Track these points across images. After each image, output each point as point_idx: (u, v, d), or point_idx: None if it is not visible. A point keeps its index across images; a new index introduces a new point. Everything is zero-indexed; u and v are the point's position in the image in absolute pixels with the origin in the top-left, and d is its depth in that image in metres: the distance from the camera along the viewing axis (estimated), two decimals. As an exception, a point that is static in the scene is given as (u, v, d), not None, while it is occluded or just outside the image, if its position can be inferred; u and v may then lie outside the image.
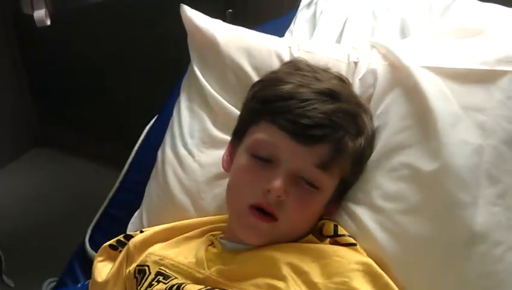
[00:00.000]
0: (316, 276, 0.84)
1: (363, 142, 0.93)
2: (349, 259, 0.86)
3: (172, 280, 0.91)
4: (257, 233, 0.90)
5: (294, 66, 0.99)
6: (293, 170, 0.88)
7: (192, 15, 1.14)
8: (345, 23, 1.24)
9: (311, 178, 0.89)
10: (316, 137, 0.88)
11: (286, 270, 0.85)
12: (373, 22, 1.23)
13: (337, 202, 0.96)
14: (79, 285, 1.22)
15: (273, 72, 1.01)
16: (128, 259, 1.03)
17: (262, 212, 0.89)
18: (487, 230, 0.86)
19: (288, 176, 0.88)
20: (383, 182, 0.93)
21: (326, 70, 0.99)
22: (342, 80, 0.99)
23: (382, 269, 0.87)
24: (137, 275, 0.98)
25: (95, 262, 1.08)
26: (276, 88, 0.93)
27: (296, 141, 0.88)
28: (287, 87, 0.91)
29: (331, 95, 0.91)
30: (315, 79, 0.93)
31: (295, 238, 0.93)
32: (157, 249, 1.01)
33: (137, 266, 0.99)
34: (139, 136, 1.36)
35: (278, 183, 0.86)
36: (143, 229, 1.07)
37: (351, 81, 1.03)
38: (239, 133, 0.98)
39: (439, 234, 0.88)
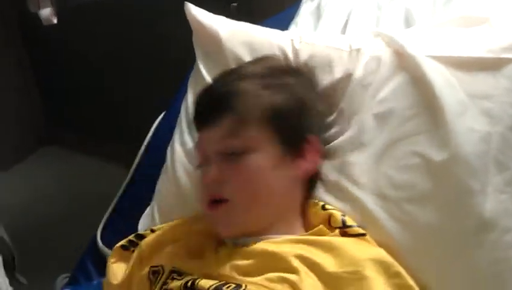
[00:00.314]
0: (329, 266, 0.85)
1: (270, 94, 0.96)
2: (360, 249, 0.87)
3: (187, 276, 0.92)
4: (222, 224, 0.95)
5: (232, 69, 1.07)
6: (214, 152, 0.95)
7: (196, 13, 1.15)
8: (349, 15, 1.25)
9: (231, 149, 0.93)
10: (209, 117, 0.96)
11: (296, 263, 0.86)
12: (377, 13, 1.24)
13: (301, 155, 0.96)
14: (94, 282, 1.23)
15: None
16: (141, 261, 1.04)
17: (213, 202, 0.94)
18: (496, 217, 0.87)
19: (217, 160, 0.94)
20: (391, 171, 0.94)
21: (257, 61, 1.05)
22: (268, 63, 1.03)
23: (392, 257, 0.88)
24: (151, 277, 0.99)
25: (108, 263, 1.09)
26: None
27: (203, 130, 0.99)
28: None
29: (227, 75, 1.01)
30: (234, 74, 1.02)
31: (281, 217, 0.95)
32: (169, 249, 1.02)
33: (151, 267, 1.00)
34: (144, 135, 1.37)
35: (209, 172, 0.94)
36: (153, 228, 1.08)
37: (352, 68, 1.03)
38: None
39: (448, 222, 0.88)
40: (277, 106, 0.95)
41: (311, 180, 0.99)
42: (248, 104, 0.95)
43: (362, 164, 0.96)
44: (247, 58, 1.11)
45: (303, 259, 0.86)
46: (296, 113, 0.97)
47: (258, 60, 1.06)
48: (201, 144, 0.99)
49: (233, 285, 0.84)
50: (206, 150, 0.97)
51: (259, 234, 0.94)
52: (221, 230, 0.95)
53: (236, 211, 0.93)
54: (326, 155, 1.00)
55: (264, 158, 0.94)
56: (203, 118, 0.99)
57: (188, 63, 1.22)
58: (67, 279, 1.32)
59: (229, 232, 0.95)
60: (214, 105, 0.97)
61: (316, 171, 0.99)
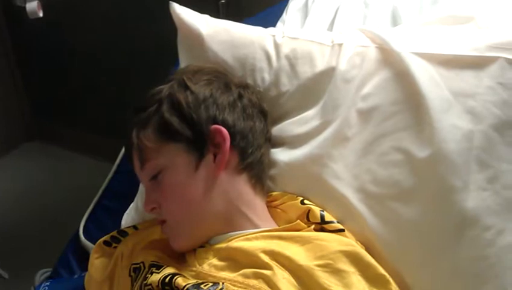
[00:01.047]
0: (301, 259, 0.85)
1: (156, 116, 0.96)
2: (332, 242, 0.88)
3: (165, 268, 0.91)
4: (171, 241, 0.97)
5: None
6: (143, 184, 1.00)
7: (180, 11, 1.14)
8: (336, 12, 1.25)
9: (147, 176, 0.97)
10: (129, 156, 1.01)
11: (266, 258, 0.86)
12: (364, 10, 1.23)
13: (210, 151, 0.95)
14: (75, 276, 1.23)
15: None
16: (123, 258, 1.04)
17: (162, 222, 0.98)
18: (477, 214, 0.87)
19: (147, 189, 0.98)
20: (374, 167, 0.94)
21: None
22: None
23: (373, 253, 0.88)
24: (132, 274, 0.98)
25: (91, 259, 1.09)
26: None
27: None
28: None
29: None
30: None
31: (232, 217, 0.94)
32: (151, 247, 1.02)
33: (132, 264, 1.00)
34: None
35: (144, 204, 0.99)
36: (136, 225, 1.08)
37: (334, 63, 1.03)
38: None
39: (430, 219, 0.89)
40: (163, 121, 0.95)
41: (249, 167, 0.97)
42: (139, 132, 0.97)
43: (345, 159, 0.96)
44: (228, 56, 1.10)
45: (273, 254, 0.86)
46: (184, 114, 0.95)
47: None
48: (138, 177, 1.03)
49: (210, 284, 0.84)
50: (141, 182, 1.03)
51: (224, 232, 0.94)
52: (173, 246, 0.97)
53: (175, 228, 0.96)
54: (287, 142, 1.02)
55: (175, 171, 0.94)
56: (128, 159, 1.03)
57: (177, 59, 1.21)
58: (48, 273, 1.32)
59: (179, 247, 0.97)
60: (126, 145, 1.02)
61: (239, 157, 0.96)
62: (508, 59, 0.94)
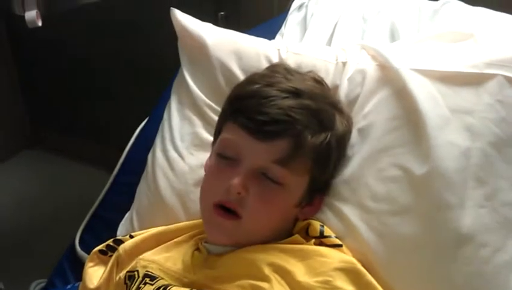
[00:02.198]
0: (300, 275, 0.84)
1: (328, 138, 0.92)
2: (332, 258, 0.87)
3: (159, 280, 0.91)
4: (222, 232, 0.91)
5: (272, 69, 1.01)
6: (253, 167, 0.89)
7: (182, 18, 1.15)
8: (335, 26, 1.25)
9: (271, 174, 0.89)
10: (272, 132, 0.88)
11: (268, 271, 0.85)
12: (363, 25, 1.24)
13: (311, 203, 0.96)
14: (69, 286, 1.22)
15: (251, 75, 1.02)
16: (119, 266, 1.03)
17: (226, 210, 0.90)
18: (474, 232, 0.87)
19: (249, 173, 0.89)
20: (372, 182, 0.94)
21: (302, 73, 1.00)
22: (317, 80, 1.00)
23: (369, 269, 0.88)
24: (127, 281, 0.98)
25: (85, 268, 1.08)
26: (243, 88, 0.95)
27: (254, 137, 0.89)
28: (254, 87, 0.93)
29: (294, 92, 0.91)
30: (285, 79, 0.94)
31: (268, 239, 0.93)
32: (147, 255, 1.01)
33: (128, 272, 0.99)
34: (130, 138, 1.36)
35: (236, 180, 0.88)
36: (132, 234, 1.07)
37: (338, 81, 1.04)
38: (215, 135, 1.00)
39: (426, 235, 0.88)
40: (323, 148, 0.91)
41: None
42: (307, 136, 0.90)
43: (344, 175, 0.96)
44: (233, 66, 1.10)
45: (275, 267, 0.86)
46: (332, 158, 0.94)
47: (308, 76, 1.00)
48: (240, 145, 0.91)
49: None
50: (244, 155, 0.90)
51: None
52: (215, 237, 0.93)
53: (242, 229, 0.91)
54: None
55: (290, 197, 0.92)
56: (258, 127, 0.89)
57: (175, 68, 1.21)
58: (43, 284, 1.31)
59: (223, 241, 0.93)
60: (278, 120, 0.89)
61: None
62: (507, 76, 0.94)
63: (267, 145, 0.88)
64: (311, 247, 0.91)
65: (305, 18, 1.31)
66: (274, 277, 0.85)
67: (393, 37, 1.19)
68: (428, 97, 0.93)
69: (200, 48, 1.13)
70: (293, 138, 0.89)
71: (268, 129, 0.88)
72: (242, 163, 0.90)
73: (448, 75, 0.97)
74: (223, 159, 0.93)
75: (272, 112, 0.88)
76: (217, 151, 0.94)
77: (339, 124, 0.95)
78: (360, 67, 1.04)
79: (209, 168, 0.96)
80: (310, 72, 1.02)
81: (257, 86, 0.93)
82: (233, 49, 1.12)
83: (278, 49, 1.11)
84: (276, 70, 0.98)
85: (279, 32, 1.32)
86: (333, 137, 0.93)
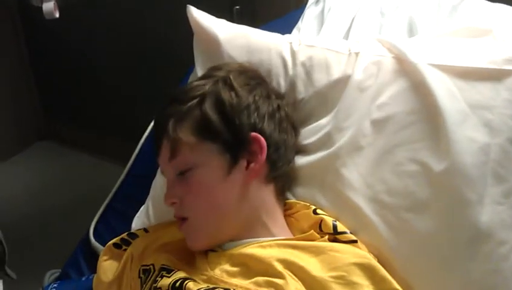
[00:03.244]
0: (315, 270, 0.84)
1: (197, 112, 0.94)
2: (347, 253, 0.87)
3: (176, 272, 0.91)
4: (188, 239, 0.96)
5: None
6: (166, 175, 0.98)
7: (197, 15, 1.14)
8: (352, 21, 1.24)
9: (176, 169, 0.95)
10: (158, 143, 0.97)
11: (280, 267, 0.85)
12: (381, 20, 1.23)
13: (249, 161, 0.94)
14: (83, 279, 1.23)
15: None
16: (133, 260, 1.03)
17: (182, 219, 0.96)
18: (492, 229, 0.87)
19: (171, 182, 0.96)
20: (388, 177, 0.93)
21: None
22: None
23: (384, 265, 0.87)
24: (141, 275, 0.98)
25: (99, 261, 1.09)
26: None
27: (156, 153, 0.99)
28: None
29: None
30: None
31: (252, 222, 0.94)
32: (161, 249, 1.01)
33: (142, 266, 0.99)
34: (142, 131, 1.36)
35: (166, 195, 0.96)
36: (147, 228, 1.08)
37: (350, 71, 1.02)
38: None
39: (444, 232, 0.88)
40: (204, 118, 0.94)
41: (277, 179, 0.97)
42: (176, 125, 0.94)
43: (359, 168, 0.96)
44: (244, 60, 1.09)
45: (287, 263, 0.86)
46: (227, 116, 0.94)
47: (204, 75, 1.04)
48: (160, 166, 1.02)
49: (222, 289, 0.84)
50: (164, 172, 1.00)
51: (239, 238, 0.94)
52: (189, 244, 0.96)
53: (196, 227, 0.94)
54: (302, 150, 1.01)
55: (208, 172, 0.93)
56: (155, 145, 1.00)
57: (190, 63, 1.21)
58: (57, 274, 1.32)
59: (195, 246, 0.96)
60: (156, 132, 0.99)
61: (269, 168, 0.96)
62: (526, 73, 0.94)
63: (160, 154, 0.97)
64: (324, 243, 0.91)
65: (322, 12, 1.30)
66: (287, 273, 0.85)
67: (411, 32, 1.18)
68: (447, 92, 0.93)
69: (213, 44, 1.12)
70: (166, 135, 0.95)
71: (155, 142, 0.99)
72: (168, 178, 0.99)
73: (466, 70, 0.96)
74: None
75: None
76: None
77: (203, 89, 0.96)
78: (375, 59, 1.03)
79: None
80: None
81: None
82: (244, 44, 1.11)
83: (290, 43, 1.10)
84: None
85: (296, 26, 1.32)
86: (204, 105, 0.94)
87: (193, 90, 0.96)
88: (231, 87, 0.96)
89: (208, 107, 0.94)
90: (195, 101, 0.95)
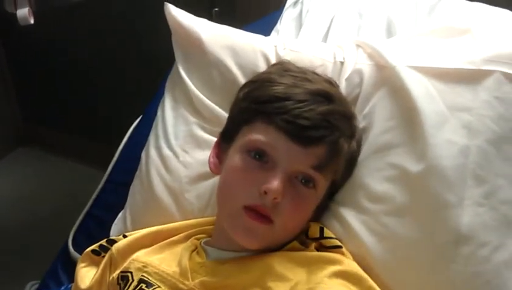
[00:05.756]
0: (301, 281, 0.83)
1: (355, 145, 0.93)
2: (333, 264, 0.85)
3: (155, 288, 0.90)
4: (253, 236, 0.87)
5: (283, 68, 0.98)
6: (290, 171, 0.86)
7: (176, 13, 1.13)
8: (331, 22, 1.24)
9: (307, 179, 0.87)
10: (313, 138, 0.86)
11: (270, 280, 0.84)
12: (359, 21, 1.23)
13: (325, 206, 0.95)
14: (62, 288, 1.21)
15: (264, 73, 0.99)
16: (112, 265, 1.01)
17: (258, 214, 0.86)
18: (472, 231, 0.86)
19: (285, 177, 0.86)
20: (369, 182, 0.93)
21: (314, 73, 0.98)
22: (331, 82, 0.98)
23: (368, 271, 0.86)
24: (120, 282, 0.96)
25: (77, 268, 1.06)
26: (269, 88, 0.91)
27: (293, 141, 0.86)
28: (281, 88, 0.90)
29: (325, 96, 0.90)
30: (306, 80, 0.92)
31: (283, 243, 0.91)
32: (141, 255, 0.99)
33: (121, 272, 0.97)
34: (123, 136, 1.34)
35: (275, 184, 0.84)
36: (126, 234, 1.05)
37: (337, 81, 1.02)
38: (229, 134, 0.96)
39: (425, 235, 0.87)
40: (351, 153, 0.93)
41: None
42: (346, 141, 0.90)
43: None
44: (229, 62, 1.09)
45: (277, 276, 0.84)
46: (354, 163, 0.95)
47: (321, 77, 0.98)
48: (277, 148, 0.87)
49: None
50: (280, 158, 0.87)
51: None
52: (246, 241, 0.88)
53: (273, 234, 0.88)
54: None
55: (318, 199, 0.91)
56: (298, 131, 0.86)
57: (170, 67, 1.20)
58: (37, 285, 1.30)
59: (252, 246, 0.89)
60: (319, 125, 0.87)
61: None
62: (505, 73, 0.93)
63: (306, 150, 0.86)
64: (311, 253, 0.89)
65: (300, 14, 1.29)
66: (277, 286, 0.83)
67: (389, 32, 1.18)
68: (425, 95, 0.92)
69: (195, 43, 1.11)
70: (331, 145, 0.87)
71: (309, 134, 0.86)
72: (278, 166, 0.86)
73: (445, 72, 0.95)
74: (252, 159, 0.88)
75: (312, 117, 0.86)
76: (247, 151, 0.89)
77: (358, 128, 0.96)
78: (357, 67, 1.03)
79: (236, 168, 0.90)
80: (316, 69, 1.00)
81: (282, 86, 0.90)
82: (229, 44, 1.10)
83: (275, 46, 1.10)
84: (289, 68, 0.97)
85: (275, 28, 1.31)
86: (357, 142, 0.94)
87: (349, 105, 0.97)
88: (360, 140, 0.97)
89: (357, 145, 0.94)
90: (356, 121, 0.96)
